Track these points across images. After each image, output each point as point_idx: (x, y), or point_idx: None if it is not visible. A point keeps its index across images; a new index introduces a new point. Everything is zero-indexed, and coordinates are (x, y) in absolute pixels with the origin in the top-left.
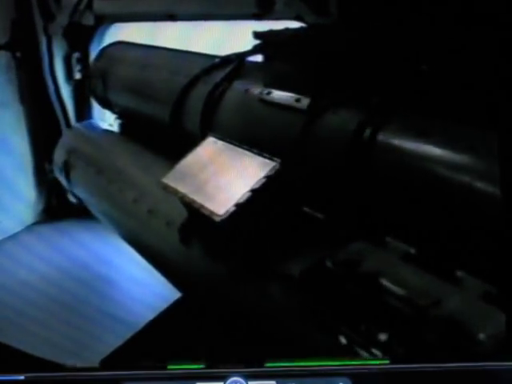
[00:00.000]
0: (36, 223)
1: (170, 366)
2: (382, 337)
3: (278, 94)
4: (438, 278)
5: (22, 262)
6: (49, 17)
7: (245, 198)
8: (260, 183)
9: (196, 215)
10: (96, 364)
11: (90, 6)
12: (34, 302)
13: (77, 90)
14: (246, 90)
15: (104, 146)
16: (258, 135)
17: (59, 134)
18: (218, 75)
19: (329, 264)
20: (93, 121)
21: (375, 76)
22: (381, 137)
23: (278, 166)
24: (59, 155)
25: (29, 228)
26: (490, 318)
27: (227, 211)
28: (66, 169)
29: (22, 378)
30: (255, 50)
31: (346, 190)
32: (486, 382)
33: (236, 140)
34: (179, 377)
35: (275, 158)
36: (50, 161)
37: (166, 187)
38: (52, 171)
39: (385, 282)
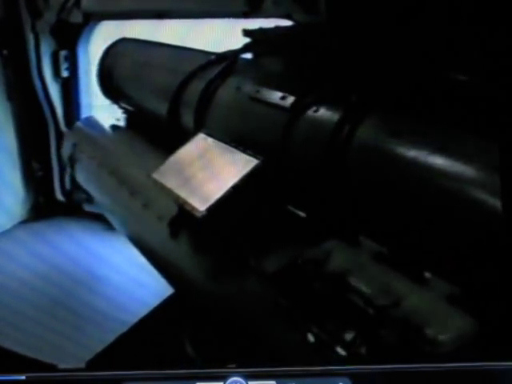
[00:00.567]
0: (24, 221)
1: (169, 366)
2: (347, 336)
3: (266, 92)
4: (406, 279)
5: (12, 258)
6: (36, 14)
7: (226, 194)
8: (241, 180)
9: (184, 210)
10: (84, 362)
11: (77, 3)
12: (24, 298)
13: (64, 88)
14: (238, 88)
15: (106, 141)
16: (247, 132)
17: (47, 132)
18: (213, 72)
19: (299, 262)
20: (93, 117)
21: (358, 74)
22: (357, 135)
23: (260, 164)
24: (66, 149)
25: (17, 226)
26: (451, 320)
27: (208, 207)
28: (71, 162)
29: (22, 377)
30: (246, 48)
31: (323, 188)
32: (486, 382)
33: (227, 137)
34: (179, 377)
35: (258, 156)
36: (38, 159)
37: (155, 182)
38: (40, 169)
39: (351, 281)
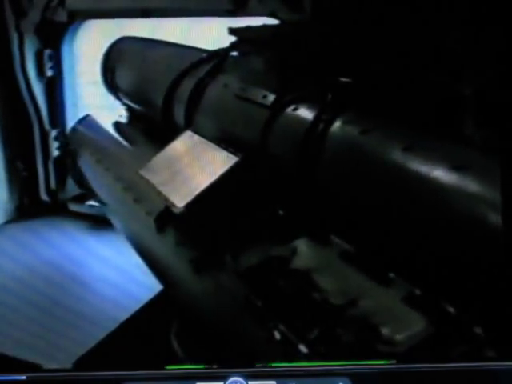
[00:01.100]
0: (8, 222)
1: (169, 366)
2: (310, 334)
3: (251, 90)
4: (368, 278)
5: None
6: (20, 13)
7: (204, 191)
8: (220, 177)
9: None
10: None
11: (62, 2)
12: (15, 294)
13: (49, 87)
14: (225, 85)
15: (105, 138)
16: (232, 130)
17: (31, 131)
18: (204, 70)
19: (266, 259)
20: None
21: (336, 73)
22: (330, 133)
23: (239, 161)
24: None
25: (1, 226)
26: (408, 320)
27: (186, 204)
28: (73, 157)
29: (23, 377)
30: (232, 47)
31: (297, 186)
32: (485, 382)
33: (214, 135)
34: (179, 377)
35: (238, 153)
36: (23, 159)
37: (141, 178)
38: (24, 169)
39: (314, 279)
